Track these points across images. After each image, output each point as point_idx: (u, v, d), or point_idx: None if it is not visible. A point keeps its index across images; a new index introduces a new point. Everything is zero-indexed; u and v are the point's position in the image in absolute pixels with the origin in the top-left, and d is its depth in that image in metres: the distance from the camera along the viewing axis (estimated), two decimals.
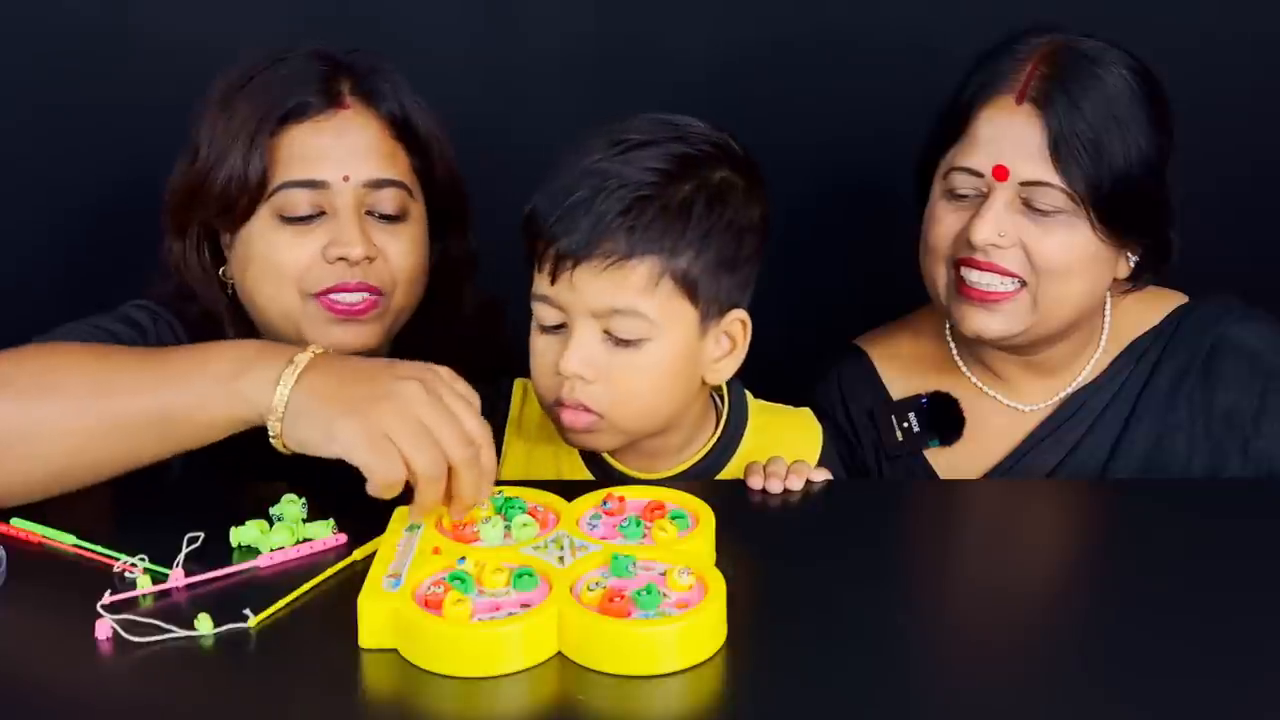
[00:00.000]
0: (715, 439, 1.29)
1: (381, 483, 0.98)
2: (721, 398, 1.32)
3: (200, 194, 1.30)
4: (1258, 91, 1.75)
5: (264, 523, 1.09)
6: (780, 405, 1.36)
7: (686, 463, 1.28)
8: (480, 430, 1.02)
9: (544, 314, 1.19)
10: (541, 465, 1.29)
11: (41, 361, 1.10)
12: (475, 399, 1.04)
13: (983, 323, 1.33)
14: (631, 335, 1.16)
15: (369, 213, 1.31)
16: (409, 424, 0.98)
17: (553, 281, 1.16)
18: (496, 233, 1.70)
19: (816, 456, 1.32)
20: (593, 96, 1.76)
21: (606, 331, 1.16)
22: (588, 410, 1.18)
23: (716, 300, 1.19)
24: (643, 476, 1.26)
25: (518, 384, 1.34)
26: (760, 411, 1.32)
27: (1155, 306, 1.45)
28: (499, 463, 1.24)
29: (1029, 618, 1.01)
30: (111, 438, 1.06)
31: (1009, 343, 1.36)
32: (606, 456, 1.28)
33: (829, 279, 1.78)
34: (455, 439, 0.99)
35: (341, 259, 1.28)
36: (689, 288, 1.16)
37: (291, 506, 1.11)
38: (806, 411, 1.37)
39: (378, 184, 1.30)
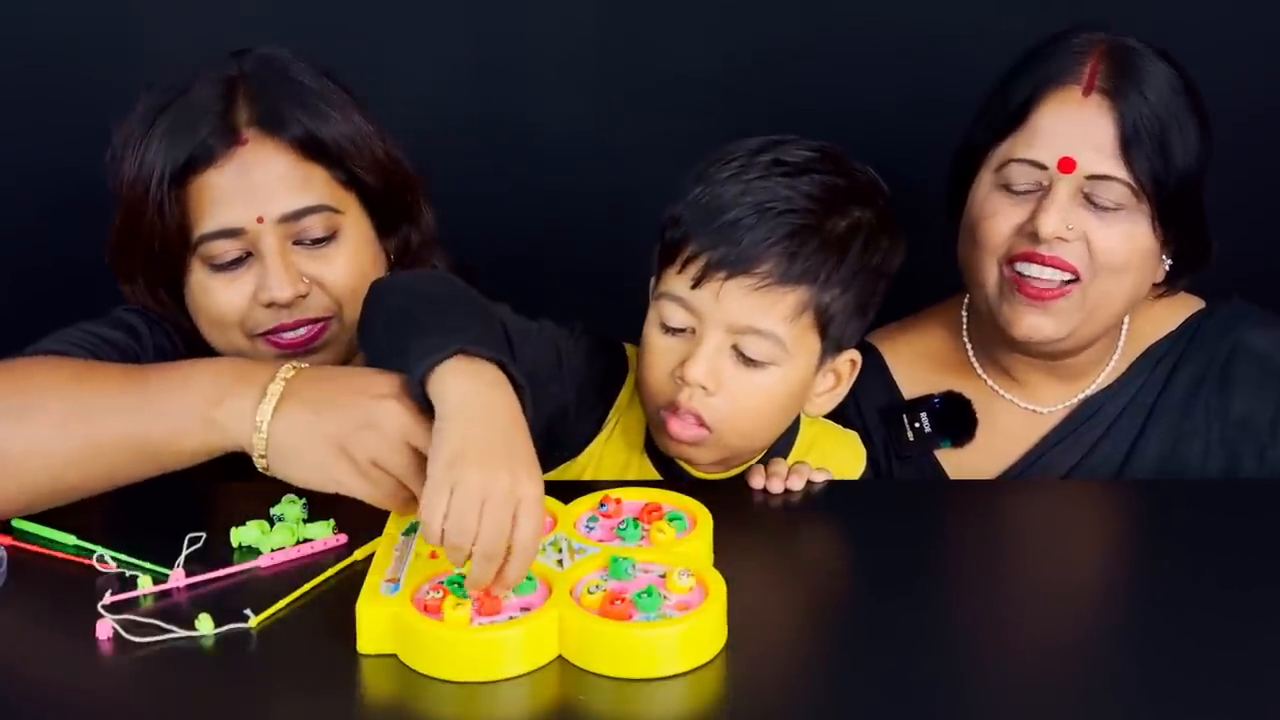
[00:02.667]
0: (768, 447, 1.29)
1: (391, 508, 1.00)
2: None
3: (133, 248, 1.27)
4: (1266, 94, 1.75)
5: (264, 523, 1.09)
6: (830, 422, 1.35)
7: (740, 468, 1.27)
8: None
9: (673, 314, 1.18)
10: (618, 453, 1.28)
11: (20, 382, 1.08)
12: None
13: (1035, 325, 1.31)
14: (760, 357, 1.16)
15: (297, 241, 1.27)
16: (393, 444, 0.98)
17: (694, 286, 1.16)
18: (496, 225, 1.72)
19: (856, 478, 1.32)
20: (592, 95, 1.76)
21: (734, 347, 1.16)
22: (699, 422, 1.18)
23: (839, 339, 1.20)
24: (700, 477, 1.26)
25: (632, 352, 1.29)
26: (810, 424, 1.32)
27: (1173, 312, 1.44)
28: (595, 437, 1.26)
29: (1030, 617, 1.01)
30: (89, 462, 1.06)
31: (1055, 347, 1.34)
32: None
33: None
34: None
35: (271, 303, 1.25)
36: (824, 323, 1.17)
37: (292, 507, 1.11)
38: (854, 434, 1.37)
39: (296, 215, 1.25)
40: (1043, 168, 1.29)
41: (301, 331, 1.28)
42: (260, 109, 1.25)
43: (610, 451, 1.27)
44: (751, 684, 0.91)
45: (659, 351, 1.19)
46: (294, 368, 1.05)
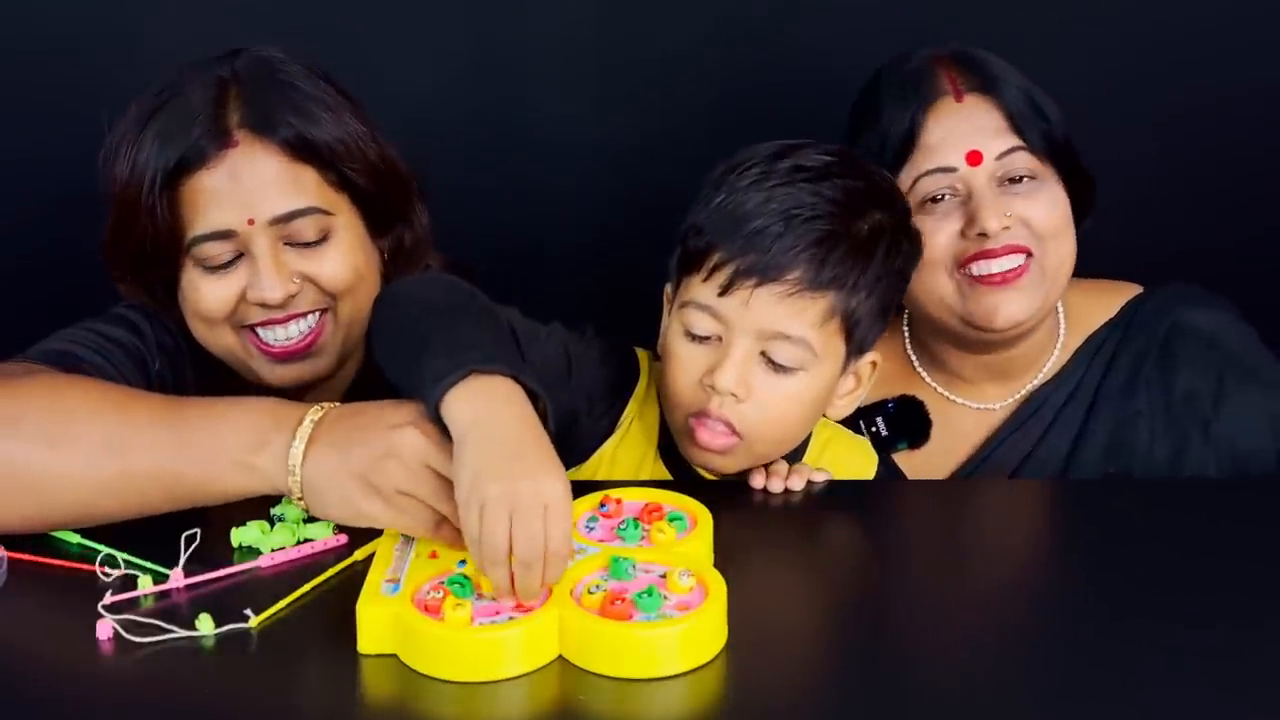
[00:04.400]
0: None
1: (422, 534, 1.01)
2: None
3: (127, 250, 1.27)
4: (1218, 89, 1.76)
5: (265, 523, 1.09)
6: (843, 428, 1.35)
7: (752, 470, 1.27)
8: None
9: (700, 323, 1.17)
10: (631, 454, 1.27)
11: (54, 402, 1.08)
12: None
13: (1007, 308, 1.34)
14: (789, 363, 1.16)
15: (289, 242, 1.27)
16: (415, 470, 0.99)
17: (721, 294, 1.15)
18: (497, 225, 1.72)
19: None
20: (592, 94, 1.76)
21: (763, 354, 1.16)
22: (729, 429, 1.17)
23: (863, 342, 1.21)
24: (712, 478, 1.25)
25: (644, 361, 1.30)
26: (823, 428, 1.32)
27: (1111, 299, 1.48)
28: (609, 438, 1.26)
29: (1033, 617, 1.01)
30: (120, 493, 1.06)
31: (1026, 326, 1.37)
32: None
33: None
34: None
35: (262, 303, 1.26)
36: (850, 327, 1.18)
37: (292, 507, 1.11)
38: (866, 441, 1.38)
39: (287, 217, 1.25)
40: (952, 170, 1.34)
41: (295, 336, 1.28)
42: (251, 111, 1.25)
43: (624, 453, 1.27)
44: (751, 684, 0.91)
45: (685, 360, 1.18)
46: (321, 408, 1.05)
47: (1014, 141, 1.34)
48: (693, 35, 1.76)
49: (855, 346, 1.20)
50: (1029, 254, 1.34)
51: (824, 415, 1.26)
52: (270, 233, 1.25)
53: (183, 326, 1.32)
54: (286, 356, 1.29)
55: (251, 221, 1.24)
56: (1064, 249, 1.36)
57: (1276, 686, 0.89)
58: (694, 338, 1.18)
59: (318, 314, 1.29)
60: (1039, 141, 1.34)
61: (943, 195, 1.35)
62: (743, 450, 1.19)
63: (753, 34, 1.76)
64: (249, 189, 1.24)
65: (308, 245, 1.27)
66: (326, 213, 1.28)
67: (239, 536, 1.08)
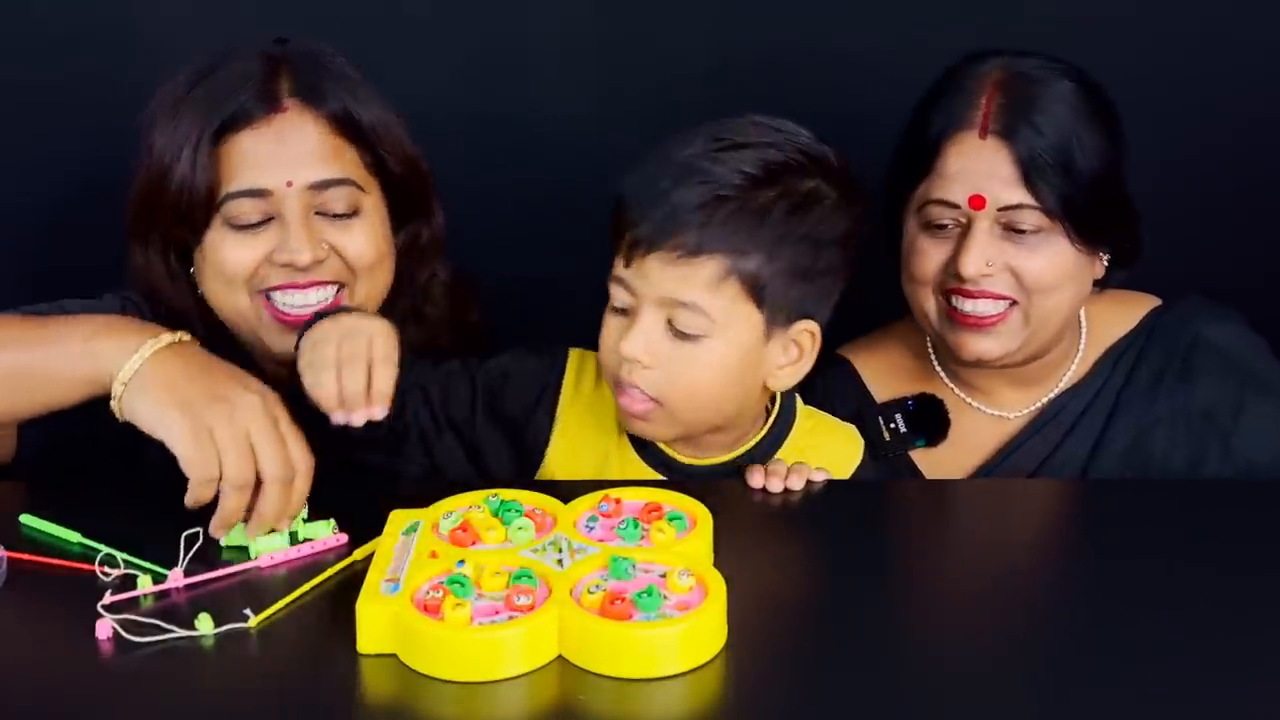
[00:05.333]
0: (763, 435, 1.30)
1: (195, 476, 1.03)
2: (772, 397, 1.32)
3: (157, 206, 1.29)
4: (1226, 95, 1.76)
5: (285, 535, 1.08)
6: (828, 415, 1.36)
7: (733, 454, 1.29)
8: (304, 461, 1.06)
9: (616, 295, 1.21)
10: (591, 444, 1.29)
11: None
12: (301, 437, 1.07)
13: (982, 347, 1.36)
14: (692, 330, 1.17)
15: (319, 212, 1.30)
16: (234, 429, 1.03)
17: (626, 265, 1.19)
18: (497, 225, 1.72)
19: (851, 470, 1.33)
20: (592, 93, 1.76)
21: (670, 322, 1.18)
22: (644, 395, 1.20)
23: (785, 308, 1.19)
24: (689, 463, 1.27)
25: (573, 354, 1.33)
26: (808, 416, 1.33)
27: (1130, 311, 1.47)
28: (551, 431, 1.28)
29: (1030, 617, 1.01)
30: None
31: (1007, 362, 1.38)
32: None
33: None
34: (276, 457, 1.04)
35: (289, 264, 1.28)
36: (756, 291, 1.17)
37: None
38: (852, 427, 1.38)
39: (323, 185, 1.29)
40: (956, 206, 1.33)
41: (312, 304, 1.30)
42: (301, 82, 1.30)
43: (582, 443, 1.29)
44: (751, 684, 0.91)
45: (607, 332, 1.23)
46: (195, 339, 1.11)
47: (1022, 197, 1.31)
48: (694, 35, 1.76)
49: (774, 313, 1.19)
50: (1013, 302, 1.34)
51: (770, 387, 1.25)
52: (305, 197, 1.28)
53: (176, 314, 1.32)
54: (298, 324, 1.28)
55: (290, 184, 1.27)
56: (1057, 301, 1.35)
57: None
58: (615, 311, 1.21)
59: (336, 288, 1.31)
60: (1052, 200, 1.30)
61: (945, 224, 1.35)
62: (664, 416, 1.21)
63: (753, 34, 1.76)
64: (292, 153, 1.28)
65: (337, 217, 1.30)
66: (360, 188, 1.31)
67: (231, 538, 1.07)
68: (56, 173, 1.74)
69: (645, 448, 1.28)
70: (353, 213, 1.31)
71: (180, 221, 1.29)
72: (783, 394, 1.32)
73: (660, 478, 1.26)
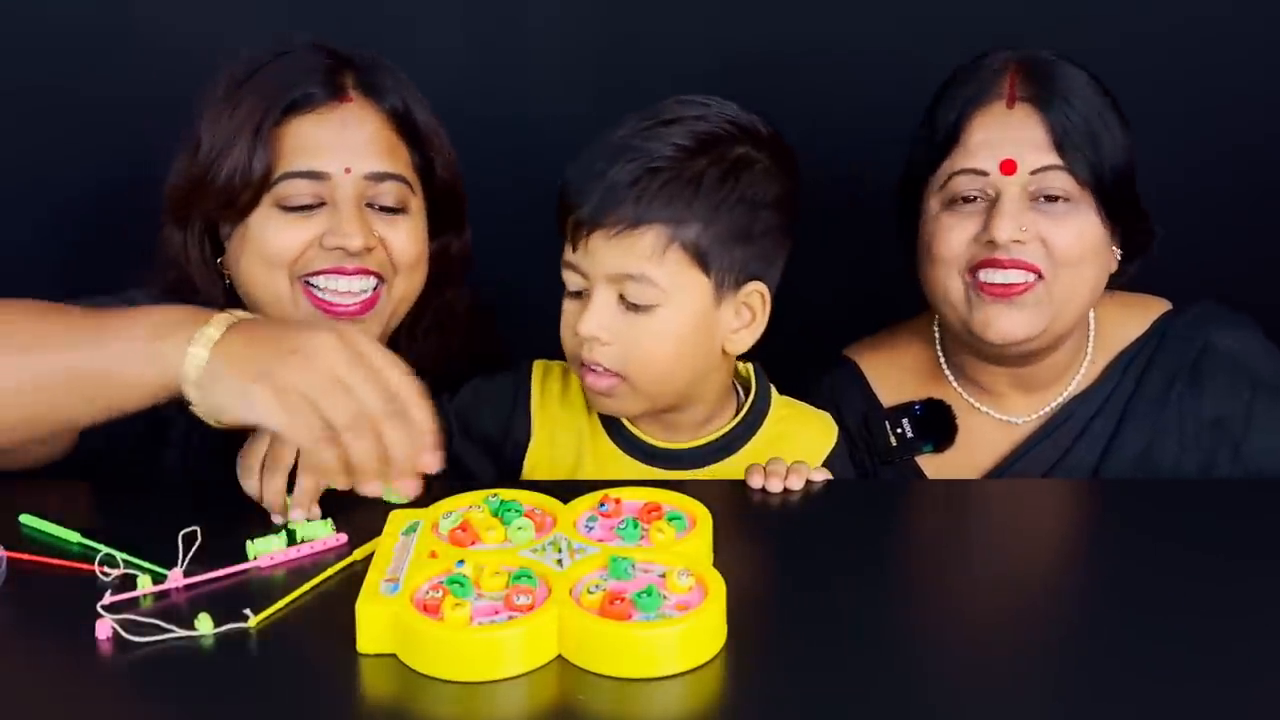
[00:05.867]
0: (738, 420, 1.32)
1: (303, 441, 0.97)
2: (746, 386, 1.35)
3: (203, 186, 1.29)
4: (1239, 97, 1.76)
5: (284, 535, 1.08)
6: (804, 404, 1.38)
7: (707, 437, 1.31)
8: (406, 385, 1.00)
9: (569, 279, 1.25)
10: (566, 442, 1.32)
11: None
12: (398, 360, 1.02)
13: (1009, 324, 1.34)
14: (642, 301, 1.21)
15: (369, 205, 1.31)
16: (320, 376, 0.97)
17: (574, 248, 1.22)
18: (497, 226, 1.71)
19: (823, 456, 1.33)
20: (592, 93, 1.76)
21: (621, 296, 1.21)
22: (607, 371, 1.23)
23: (731, 271, 1.23)
24: (663, 446, 1.30)
25: (536, 365, 1.37)
26: (783, 404, 1.36)
27: (1140, 315, 1.47)
28: (528, 443, 1.31)
29: (1030, 617, 1.01)
30: (31, 394, 1.05)
31: (1030, 346, 1.36)
32: (629, 426, 1.31)
33: (817, 289, 1.77)
34: (375, 391, 0.97)
35: (339, 248, 1.28)
36: (699, 257, 1.21)
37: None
38: (827, 415, 1.39)
39: (379, 177, 1.31)
40: (985, 174, 1.33)
41: (355, 293, 1.30)
42: (363, 78, 1.33)
43: (557, 439, 1.32)
44: (751, 684, 0.91)
45: (565, 317, 1.26)
46: (244, 315, 1.06)
47: (1053, 159, 1.32)
48: (694, 35, 1.76)
49: (721, 276, 1.22)
50: (1040, 275, 1.33)
51: (727, 351, 1.27)
52: (360, 186, 1.30)
53: (212, 294, 1.32)
54: (337, 316, 1.29)
55: (348, 170, 1.29)
56: (1081, 278, 1.34)
57: None
58: (570, 295, 1.25)
59: (376, 281, 1.32)
60: (1081, 167, 1.32)
61: (973, 196, 1.34)
62: (627, 391, 1.24)
63: (753, 34, 1.76)
64: (353, 142, 1.30)
65: (385, 210, 1.32)
66: (410, 187, 1.33)
67: (254, 549, 1.06)
68: (64, 173, 1.75)
69: (619, 434, 1.31)
70: (401, 209, 1.33)
71: (228, 202, 1.28)
72: (757, 381, 1.34)
73: (634, 462, 1.29)
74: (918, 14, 1.74)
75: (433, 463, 1.00)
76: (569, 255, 1.24)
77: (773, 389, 1.36)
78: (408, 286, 1.35)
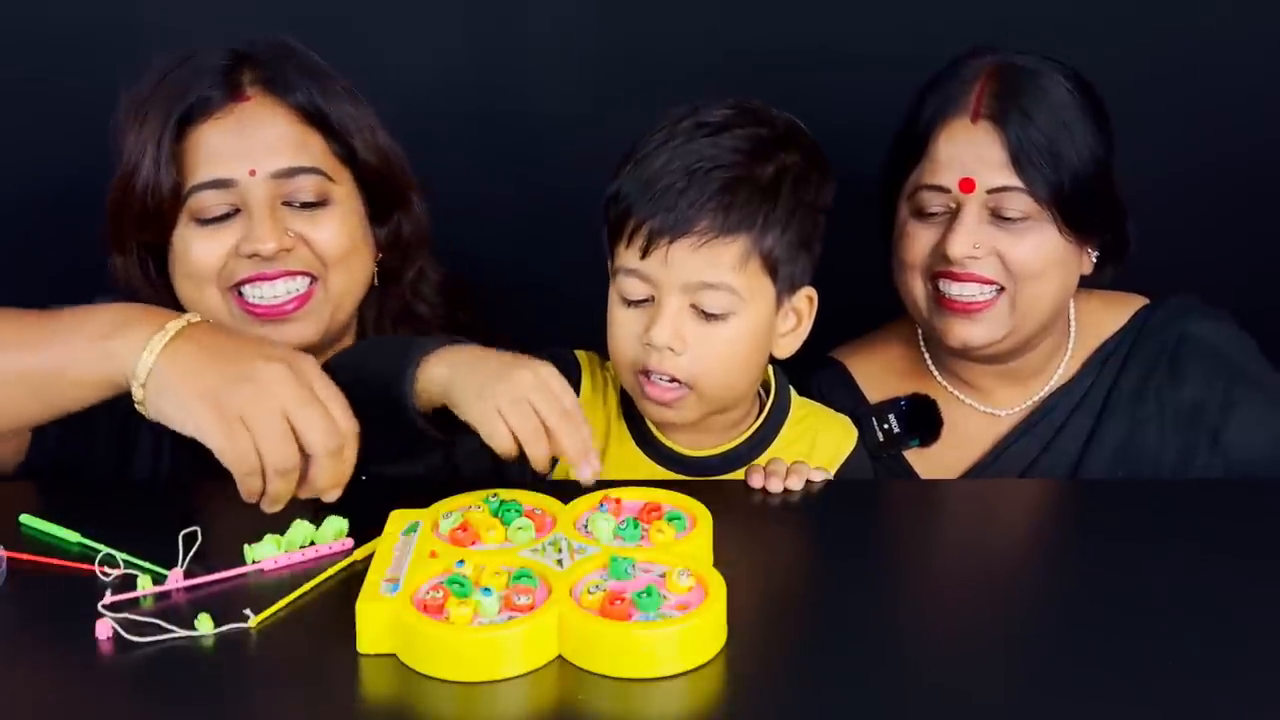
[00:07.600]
0: (760, 423, 1.32)
1: (236, 470, 0.98)
2: (766, 389, 1.35)
3: (127, 208, 1.28)
4: (1220, 95, 1.76)
5: (278, 537, 1.07)
6: (822, 405, 1.39)
7: (731, 443, 1.31)
8: (348, 424, 1.01)
9: (631, 288, 1.23)
10: (598, 438, 1.31)
11: None
12: (341, 397, 1.02)
13: (967, 332, 1.37)
14: (719, 309, 1.21)
15: (286, 203, 1.28)
16: (265, 408, 0.97)
17: (643, 256, 1.20)
18: (497, 226, 1.71)
19: (841, 460, 1.34)
20: (591, 91, 1.76)
21: (693, 305, 1.21)
22: (675, 381, 1.22)
23: (791, 277, 1.25)
24: (689, 453, 1.30)
25: (581, 356, 1.36)
26: (801, 405, 1.36)
27: (1119, 310, 1.49)
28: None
29: (1030, 617, 1.01)
30: None
31: (992, 350, 1.39)
32: (655, 431, 1.31)
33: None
34: (319, 428, 0.99)
35: (254, 254, 1.26)
36: (772, 265, 1.22)
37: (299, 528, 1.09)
38: (845, 417, 1.39)
39: (288, 173, 1.27)
40: (946, 191, 1.35)
41: (282, 296, 1.28)
42: (266, 73, 1.29)
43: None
44: (751, 684, 0.91)
45: (624, 323, 1.24)
46: (201, 318, 1.05)
47: (1010, 180, 1.33)
48: (694, 35, 1.76)
49: (784, 283, 1.24)
50: (1000, 288, 1.35)
51: (772, 355, 1.29)
52: (269, 186, 1.27)
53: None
54: (270, 318, 1.28)
55: (253, 172, 1.26)
56: (1044, 289, 1.37)
57: None
58: (630, 303, 1.23)
59: (308, 280, 1.29)
60: (1040, 186, 1.33)
61: (936, 210, 1.37)
62: (693, 400, 1.24)
63: (753, 34, 1.76)
64: (255, 143, 1.27)
65: (305, 207, 1.29)
66: (328, 177, 1.30)
67: (252, 553, 1.06)
68: (48, 174, 1.74)
69: (644, 439, 1.30)
70: (321, 202, 1.29)
71: (149, 223, 1.27)
72: (777, 384, 1.35)
73: (655, 466, 1.29)
74: (914, 15, 1.74)
75: (334, 496, 1.02)
76: (632, 263, 1.21)
77: (791, 388, 1.37)
78: (347, 279, 1.32)
